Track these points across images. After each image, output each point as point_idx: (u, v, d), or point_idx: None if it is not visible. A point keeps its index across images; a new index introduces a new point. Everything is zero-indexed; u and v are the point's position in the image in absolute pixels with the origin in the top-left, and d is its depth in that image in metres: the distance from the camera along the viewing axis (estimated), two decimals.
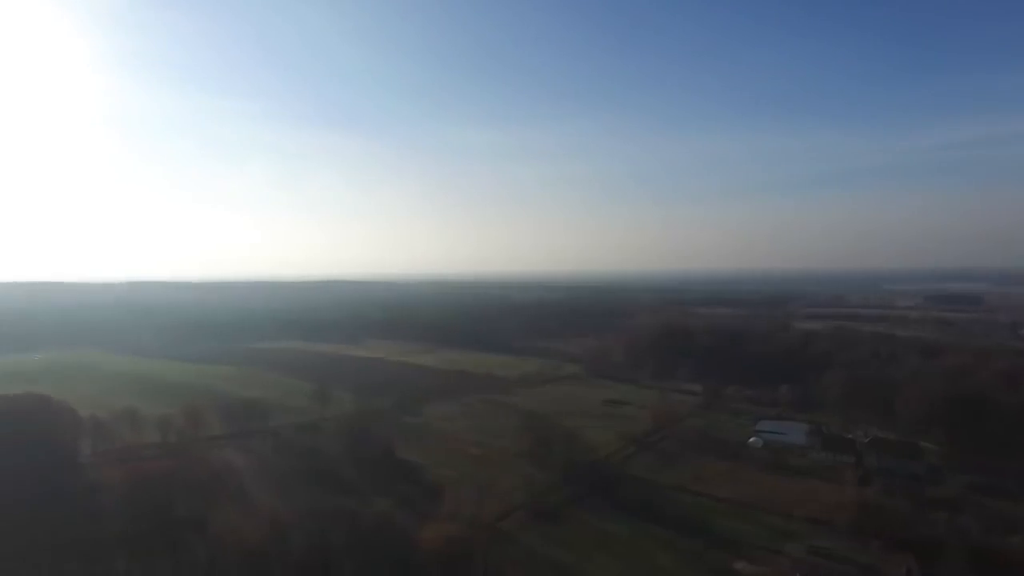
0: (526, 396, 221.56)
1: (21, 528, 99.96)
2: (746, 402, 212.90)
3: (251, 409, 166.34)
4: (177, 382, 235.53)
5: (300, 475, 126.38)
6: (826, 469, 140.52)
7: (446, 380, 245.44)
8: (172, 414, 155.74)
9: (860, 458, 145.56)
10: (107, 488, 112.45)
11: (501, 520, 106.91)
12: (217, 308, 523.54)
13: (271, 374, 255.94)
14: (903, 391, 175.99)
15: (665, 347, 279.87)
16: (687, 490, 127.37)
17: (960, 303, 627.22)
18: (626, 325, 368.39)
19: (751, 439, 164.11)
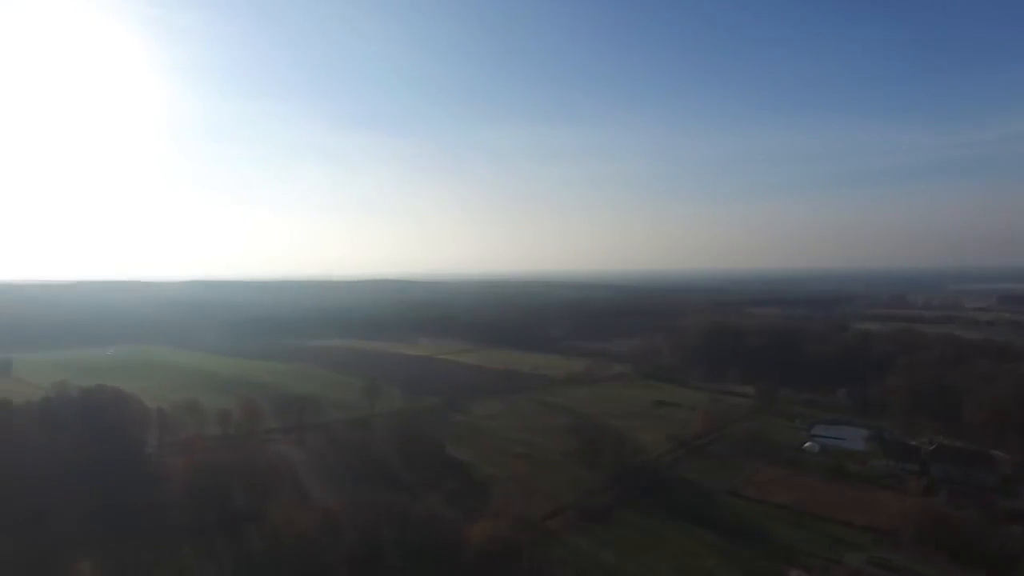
0: (573, 396, 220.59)
1: (93, 513, 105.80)
2: (801, 405, 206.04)
3: (304, 404, 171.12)
4: (235, 377, 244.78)
5: (351, 469, 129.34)
6: (888, 477, 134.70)
7: (493, 379, 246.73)
8: (231, 408, 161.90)
9: (925, 466, 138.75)
10: (172, 477, 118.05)
11: (548, 519, 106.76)
12: (271, 306, 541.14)
13: (323, 371, 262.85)
14: (973, 396, 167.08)
15: (715, 348, 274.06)
16: (739, 495, 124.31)
17: None
18: (674, 325, 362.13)
19: (807, 444, 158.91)
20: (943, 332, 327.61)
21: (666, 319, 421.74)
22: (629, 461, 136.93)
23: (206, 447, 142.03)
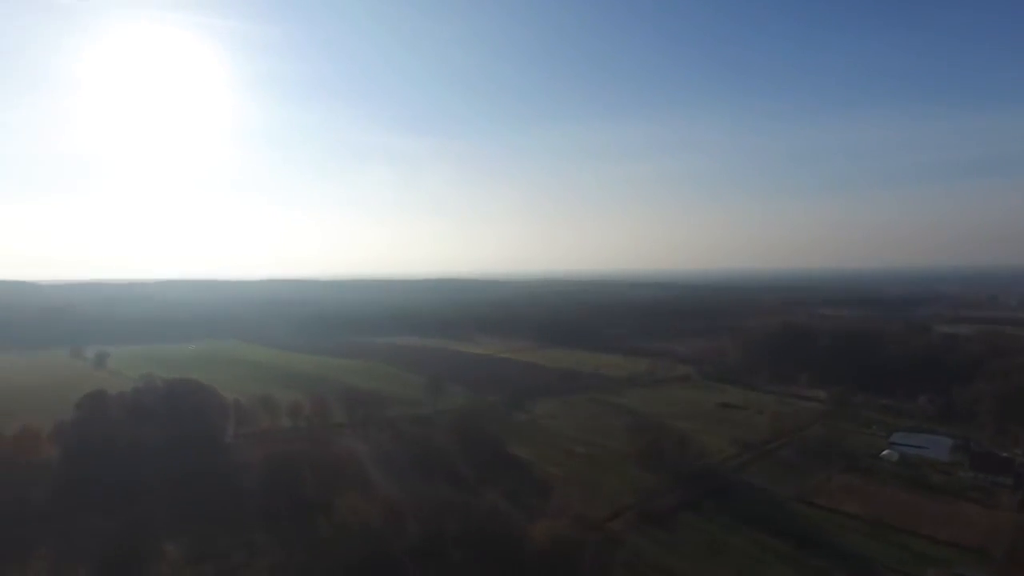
0: (635, 397, 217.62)
1: (176, 494, 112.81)
2: (878, 411, 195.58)
3: (370, 399, 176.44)
4: (306, 372, 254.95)
5: (415, 464, 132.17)
6: (975, 489, 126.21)
7: (553, 378, 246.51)
8: (302, 401, 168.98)
9: (1020, 480, 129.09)
10: (248, 465, 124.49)
11: (609, 521, 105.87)
12: (340, 304, 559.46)
13: (388, 367, 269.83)
14: None
15: (785, 350, 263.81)
16: (810, 502, 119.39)
17: None
18: (741, 326, 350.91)
19: (884, 452, 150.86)
20: None
21: (732, 319, 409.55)
22: (692, 464, 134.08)
23: (279, 438, 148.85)
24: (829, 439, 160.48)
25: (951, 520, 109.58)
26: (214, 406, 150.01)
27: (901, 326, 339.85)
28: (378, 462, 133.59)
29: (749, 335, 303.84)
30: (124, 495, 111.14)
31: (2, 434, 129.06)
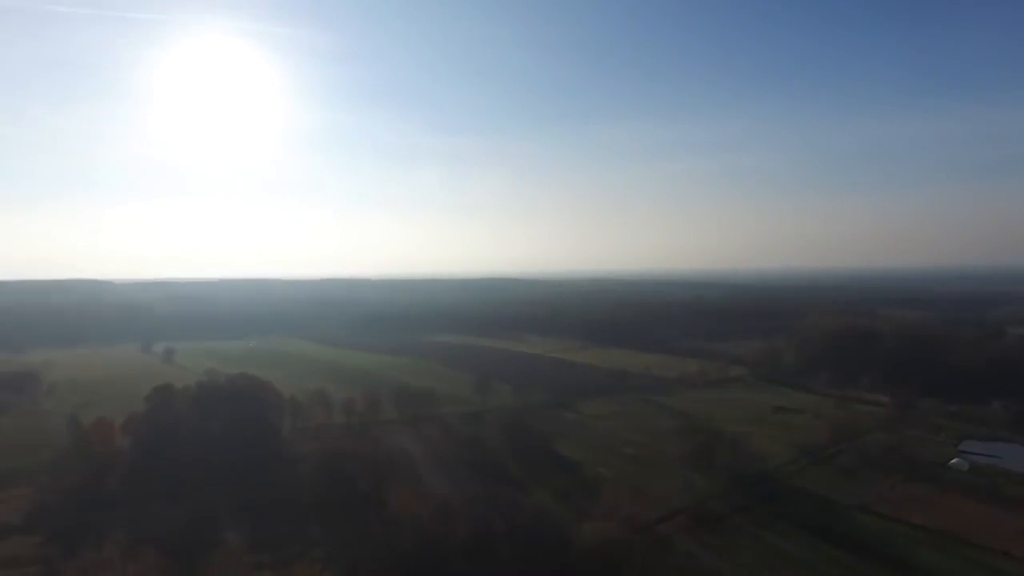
0: (686, 398, 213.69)
1: (236, 485, 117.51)
2: (946, 418, 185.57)
3: (421, 397, 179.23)
4: (358, 369, 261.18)
5: (464, 461, 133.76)
6: None
7: (603, 378, 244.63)
8: (354, 398, 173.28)
9: None
10: (303, 459, 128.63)
11: (660, 523, 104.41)
12: (391, 303, 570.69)
13: (438, 366, 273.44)
14: None
15: (845, 352, 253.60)
16: (871, 512, 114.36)
17: None
18: (797, 326, 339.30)
19: (953, 460, 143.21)
20: None
21: (788, 320, 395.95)
22: (746, 468, 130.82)
23: (332, 433, 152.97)
24: (892, 446, 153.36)
25: None
26: (272, 401, 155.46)
27: (972, 328, 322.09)
28: (428, 458, 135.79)
29: (806, 336, 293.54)
30: (189, 483, 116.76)
31: (81, 424, 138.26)
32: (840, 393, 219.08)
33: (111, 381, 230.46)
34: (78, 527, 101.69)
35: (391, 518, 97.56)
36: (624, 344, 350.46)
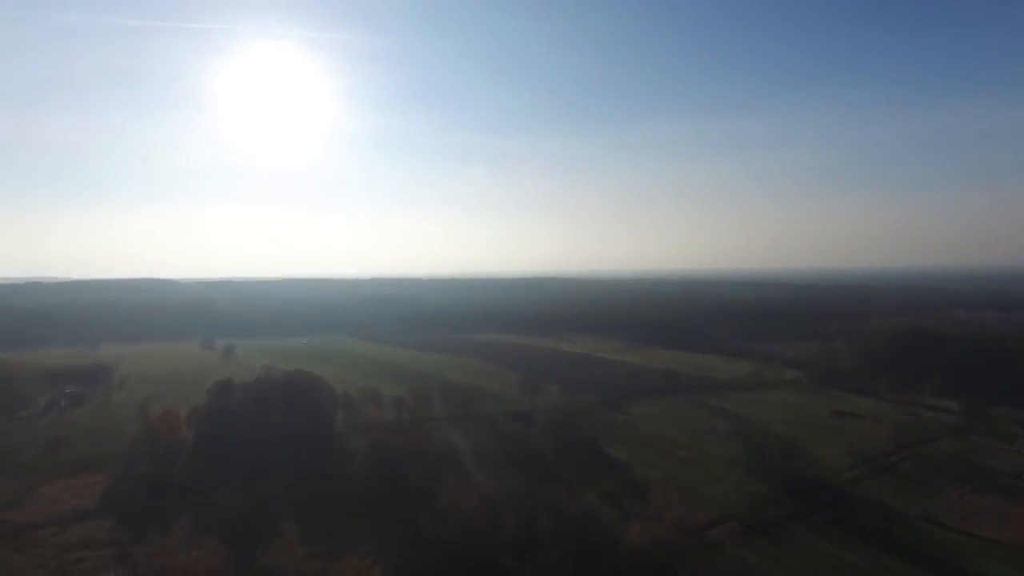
0: (739, 400, 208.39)
1: (292, 479, 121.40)
2: (1020, 426, 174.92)
3: (469, 395, 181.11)
4: (408, 367, 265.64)
5: (512, 460, 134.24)
6: None
7: (652, 378, 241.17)
8: (405, 395, 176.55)
9: None
10: (356, 455, 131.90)
11: (710, 528, 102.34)
12: (439, 302, 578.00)
13: (487, 364, 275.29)
14: None
15: (908, 355, 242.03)
16: (937, 523, 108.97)
17: None
18: (858, 328, 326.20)
19: None
20: None
21: (847, 321, 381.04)
22: (802, 473, 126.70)
23: (383, 429, 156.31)
24: (961, 454, 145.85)
25: None
26: (325, 397, 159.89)
27: None
28: (476, 456, 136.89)
29: (867, 338, 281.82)
30: (248, 474, 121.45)
31: (149, 414, 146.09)
32: (903, 398, 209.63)
33: (176, 375, 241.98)
34: (146, 513, 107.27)
35: (440, 513, 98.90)
36: (674, 345, 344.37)
